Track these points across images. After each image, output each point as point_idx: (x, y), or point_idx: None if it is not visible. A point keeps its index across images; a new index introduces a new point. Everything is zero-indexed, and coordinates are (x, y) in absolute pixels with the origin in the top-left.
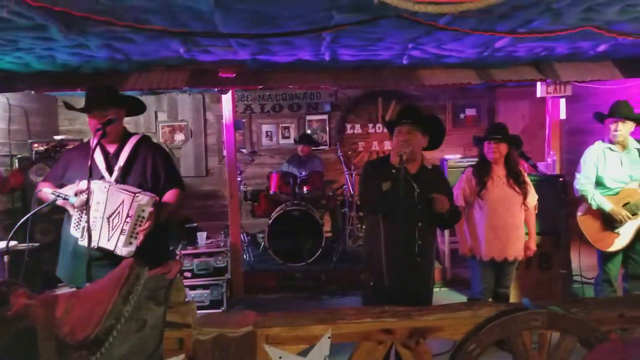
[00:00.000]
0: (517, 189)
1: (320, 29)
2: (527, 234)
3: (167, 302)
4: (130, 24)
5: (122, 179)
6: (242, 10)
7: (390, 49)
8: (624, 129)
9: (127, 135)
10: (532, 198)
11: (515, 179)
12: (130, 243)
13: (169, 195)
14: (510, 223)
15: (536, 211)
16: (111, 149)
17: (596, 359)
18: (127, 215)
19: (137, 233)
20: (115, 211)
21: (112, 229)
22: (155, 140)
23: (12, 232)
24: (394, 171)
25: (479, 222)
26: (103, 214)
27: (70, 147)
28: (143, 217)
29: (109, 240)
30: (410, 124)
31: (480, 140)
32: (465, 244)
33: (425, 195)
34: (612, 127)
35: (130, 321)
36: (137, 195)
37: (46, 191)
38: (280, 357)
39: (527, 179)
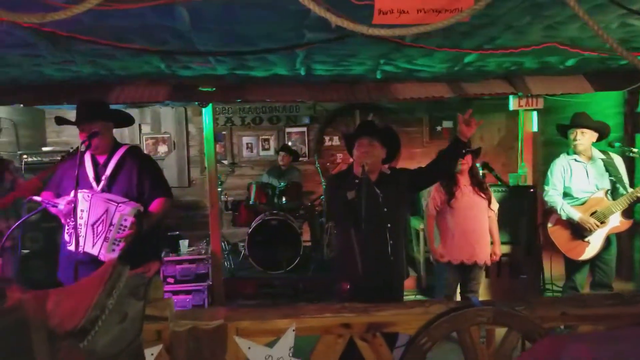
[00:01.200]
0: (482, 195)
1: (291, 47)
2: (491, 242)
3: (147, 297)
4: (112, 43)
5: (108, 189)
6: (217, 29)
7: (363, 64)
8: (584, 138)
9: (116, 146)
10: (495, 203)
11: (479, 186)
12: (113, 250)
13: (154, 205)
14: (478, 228)
15: (496, 217)
16: (101, 159)
17: (536, 353)
18: (110, 224)
19: (119, 240)
20: (99, 219)
21: (97, 236)
22: None
23: (3, 240)
24: (357, 181)
25: (451, 228)
26: (87, 221)
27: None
28: (125, 226)
29: (93, 246)
30: (369, 136)
31: None
32: (436, 251)
33: (389, 198)
34: (572, 136)
35: (113, 313)
36: (119, 205)
37: (36, 199)
38: (249, 348)
39: (488, 186)
